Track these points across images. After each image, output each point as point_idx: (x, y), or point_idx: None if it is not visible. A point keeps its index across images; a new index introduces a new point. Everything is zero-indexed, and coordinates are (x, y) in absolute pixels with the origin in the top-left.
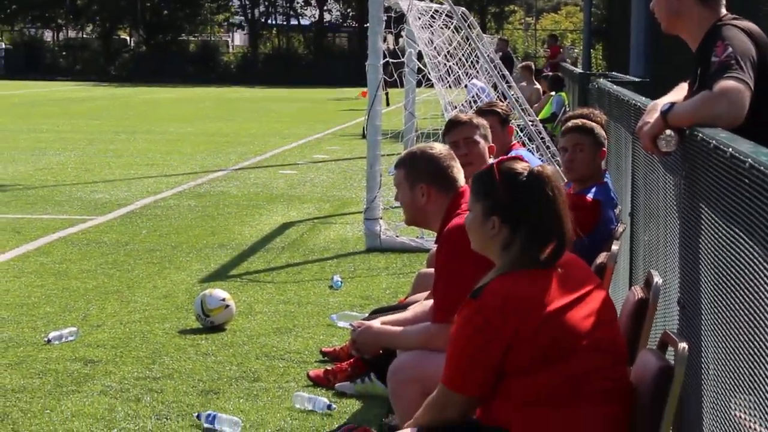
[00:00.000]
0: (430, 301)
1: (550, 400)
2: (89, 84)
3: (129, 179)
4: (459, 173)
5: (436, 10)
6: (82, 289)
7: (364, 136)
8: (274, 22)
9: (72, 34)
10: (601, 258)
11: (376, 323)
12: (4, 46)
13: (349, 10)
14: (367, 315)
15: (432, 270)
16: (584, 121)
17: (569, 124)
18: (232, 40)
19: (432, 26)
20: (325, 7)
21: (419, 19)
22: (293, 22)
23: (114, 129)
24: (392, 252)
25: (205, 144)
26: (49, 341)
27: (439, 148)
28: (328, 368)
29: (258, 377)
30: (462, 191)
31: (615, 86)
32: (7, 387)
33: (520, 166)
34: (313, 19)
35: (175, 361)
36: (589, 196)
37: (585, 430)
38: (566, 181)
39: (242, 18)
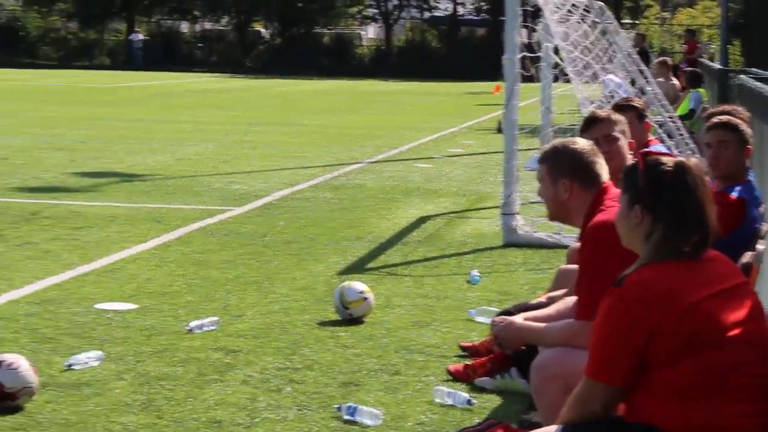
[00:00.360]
0: (573, 298)
1: (696, 393)
2: (224, 75)
3: (266, 171)
4: (602, 169)
5: (573, 4)
6: (223, 279)
7: (499, 131)
8: (407, 15)
9: (208, 25)
10: (746, 257)
11: (518, 319)
12: (142, 37)
13: (482, 3)
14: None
15: (572, 266)
16: (730, 117)
17: (714, 120)
18: (366, 33)
19: (568, 20)
20: (459, 0)
21: (556, 13)
22: (427, 14)
23: (250, 120)
24: (529, 247)
25: (340, 136)
26: (190, 330)
27: (583, 143)
28: (468, 363)
29: (398, 370)
30: (606, 187)
31: (758, 83)
32: (151, 374)
33: (665, 158)
34: (446, 12)
35: (315, 353)
36: (733, 195)
37: (732, 424)
38: (710, 177)
39: (376, 11)
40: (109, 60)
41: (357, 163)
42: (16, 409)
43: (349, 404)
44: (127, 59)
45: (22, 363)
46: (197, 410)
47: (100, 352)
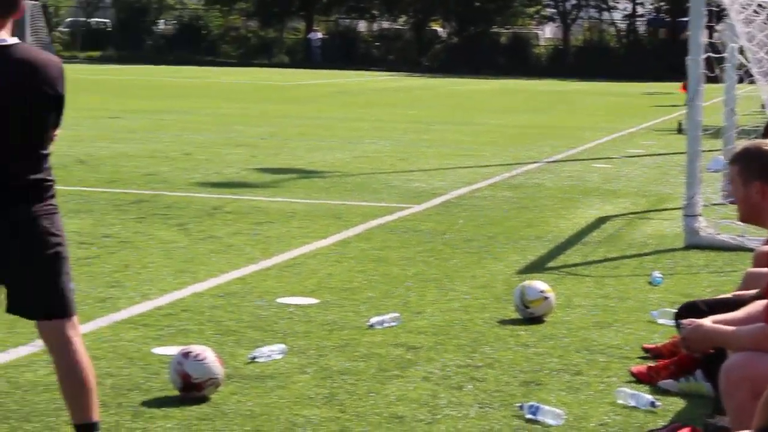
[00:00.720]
0: (764, 301)
1: None
2: (401, 74)
3: (444, 169)
4: None
5: (759, 4)
6: (402, 276)
7: (679, 132)
8: (585, 15)
9: (385, 24)
10: None
11: (707, 321)
12: (320, 35)
13: (662, 3)
14: (676, 310)
15: (761, 269)
16: None
17: None
18: (543, 33)
19: (754, 21)
20: (638, 0)
21: (741, 13)
22: (605, 15)
23: (428, 119)
24: (712, 250)
25: (518, 136)
26: (371, 326)
27: None
28: (651, 365)
29: (579, 371)
30: None
31: None
32: (333, 369)
33: None
34: (625, 12)
35: (495, 351)
36: None
37: None
38: None
39: (554, 10)
40: (287, 58)
41: (535, 162)
42: (203, 400)
43: (531, 403)
44: (305, 57)
45: (208, 354)
46: (379, 405)
47: (283, 346)
